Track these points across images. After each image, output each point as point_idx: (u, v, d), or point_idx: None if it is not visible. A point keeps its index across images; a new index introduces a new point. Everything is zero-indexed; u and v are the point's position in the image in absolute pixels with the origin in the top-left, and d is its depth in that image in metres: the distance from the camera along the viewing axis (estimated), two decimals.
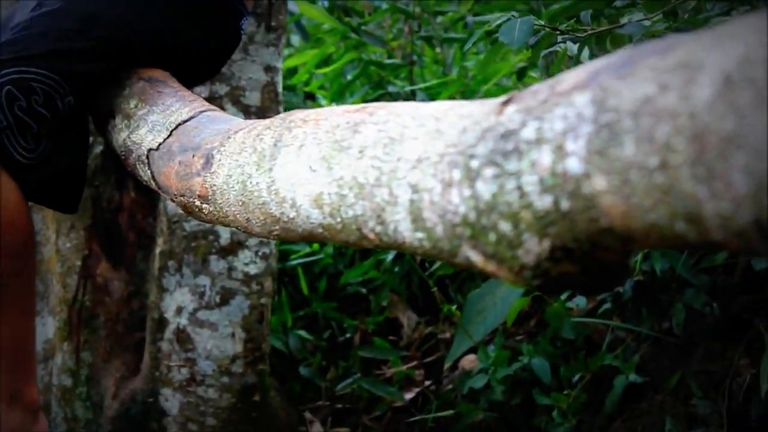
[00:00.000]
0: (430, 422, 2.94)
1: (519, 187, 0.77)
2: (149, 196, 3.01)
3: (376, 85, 4.06)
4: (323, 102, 4.26)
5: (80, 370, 2.96)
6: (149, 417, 2.86)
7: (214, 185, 1.43)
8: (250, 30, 2.83)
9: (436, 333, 3.36)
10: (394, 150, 0.98)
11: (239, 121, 1.56)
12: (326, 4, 4.35)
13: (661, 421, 2.43)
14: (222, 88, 2.85)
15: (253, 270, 2.87)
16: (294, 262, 3.59)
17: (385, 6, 4.42)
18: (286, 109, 3.00)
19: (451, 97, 3.71)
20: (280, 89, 2.94)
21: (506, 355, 2.74)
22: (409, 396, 3.13)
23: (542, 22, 2.08)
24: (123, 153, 1.79)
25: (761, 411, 2.26)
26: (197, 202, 1.51)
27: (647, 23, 2.04)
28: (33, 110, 1.70)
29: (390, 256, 3.43)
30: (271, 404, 2.94)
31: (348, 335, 3.47)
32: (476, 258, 0.86)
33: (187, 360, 2.84)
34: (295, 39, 4.82)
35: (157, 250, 2.90)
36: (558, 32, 2.05)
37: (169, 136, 1.67)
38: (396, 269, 3.45)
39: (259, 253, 2.87)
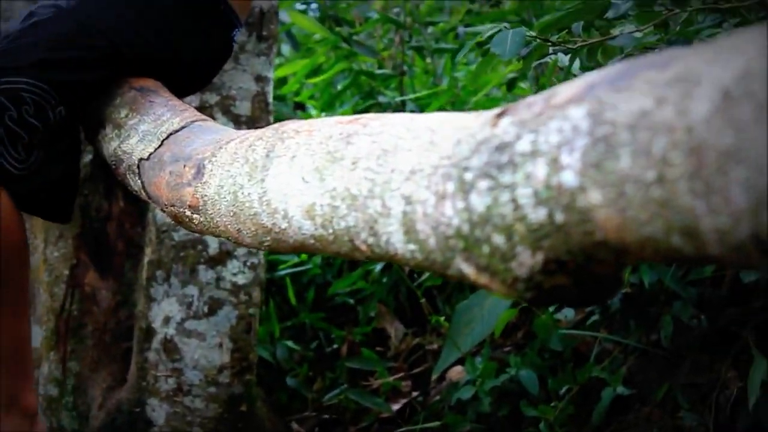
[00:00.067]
0: None
1: (513, 200, 0.77)
2: (138, 206, 3.01)
3: (367, 95, 4.06)
4: (313, 112, 4.26)
5: (67, 379, 2.95)
6: (136, 427, 2.84)
7: (206, 195, 1.43)
8: (241, 39, 2.83)
9: (423, 344, 3.36)
10: (388, 161, 0.97)
11: (231, 132, 1.56)
12: (317, 13, 4.36)
13: None
14: (212, 98, 2.85)
15: (241, 280, 2.86)
16: (282, 273, 3.59)
17: (376, 16, 4.42)
18: (276, 119, 3.00)
19: (442, 108, 3.72)
20: (270, 99, 2.94)
21: (494, 367, 2.74)
22: (396, 407, 3.12)
23: (533, 34, 2.08)
24: (113, 162, 1.79)
25: (748, 424, 2.26)
26: (188, 212, 1.50)
27: (639, 35, 2.05)
28: (24, 120, 1.69)
29: (378, 267, 3.43)
30: (257, 414, 2.93)
31: (335, 346, 3.46)
32: (469, 270, 0.86)
33: (174, 370, 2.83)
34: (286, 49, 4.82)
35: (146, 260, 2.89)
36: (549, 44, 2.05)
37: (160, 145, 1.67)
38: (384, 280, 3.44)
39: (248, 263, 2.86)
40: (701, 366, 2.45)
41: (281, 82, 4.33)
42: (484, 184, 0.80)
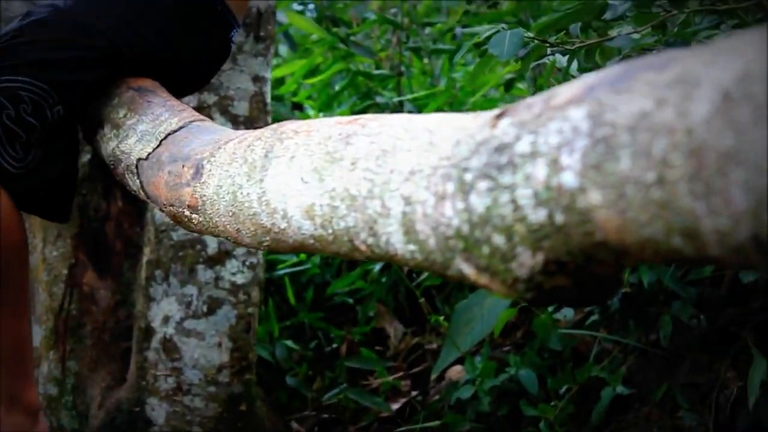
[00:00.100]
0: None
1: (513, 201, 0.77)
2: (136, 205, 3.01)
3: (364, 95, 4.07)
4: (311, 112, 4.26)
5: (66, 379, 2.95)
6: (135, 426, 2.84)
7: (204, 195, 1.43)
8: (239, 40, 2.83)
9: (422, 343, 3.36)
10: (387, 162, 0.98)
11: (229, 132, 1.56)
12: (314, 14, 4.36)
13: None
14: (210, 98, 2.85)
15: (240, 280, 2.86)
16: (281, 272, 3.59)
17: (373, 17, 4.42)
18: (273, 119, 3.00)
19: (439, 108, 3.72)
20: (268, 99, 2.94)
21: (493, 366, 2.74)
22: (395, 407, 3.12)
23: (531, 35, 2.08)
24: (112, 162, 1.79)
25: (748, 424, 2.26)
26: (187, 212, 1.51)
27: (636, 36, 2.05)
28: (22, 119, 1.70)
29: (377, 267, 3.43)
30: (257, 414, 2.93)
31: (335, 345, 3.46)
32: (469, 271, 0.86)
33: (173, 369, 2.83)
34: (283, 49, 4.82)
35: (144, 260, 2.89)
36: (547, 45, 2.06)
37: (158, 145, 1.67)
38: (383, 280, 3.44)
39: (247, 263, 2.86)
40: (701, 366, 2.45)
41: (279, 82, 4.33)
42: (483, 184, 0.80)
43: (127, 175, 1.74)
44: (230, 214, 1.33)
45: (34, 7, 1.93)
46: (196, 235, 2.74)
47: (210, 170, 1.43)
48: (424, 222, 0.89)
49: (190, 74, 1.99)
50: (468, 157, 0.84)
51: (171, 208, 1.56)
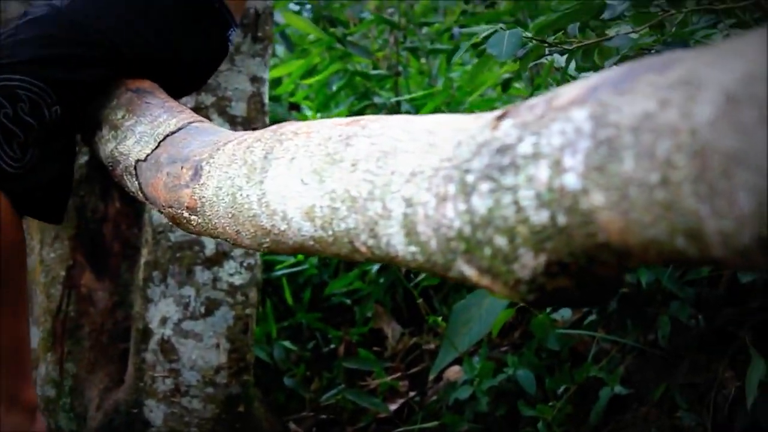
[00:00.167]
0: None
1: (515, 202, 0.77)
2: (134, 206, 3.00)
3: (362, 95, 4.07)
4: (308, 113, 4.26)
5: (64, 380, 2.95)
6: (133, 428, 2.84)
7: (203, 197, 1.43)
8: (237, 40, 2.82)
9: (420, 344, 3.36)
10: (388, 163, 0.97)
11: (228, 133, 1.56)
12: (311, 14, 4.36)
13: None
14: (208, 99, 2.84)
15: (237, 280, 2.86)
16: (279, 273, 3.59)
17: (370, 17, 4.42)
18: (271, 120, 3.00)
19: (437, 108, 3.72)
20: (266, 100, 2.94)
21: (491, 367, 2.74)
22: (393, 407, 3.12)
23: (529, 35, 2.08)
24: (110, 164, 1.79)
25: (746, 423, 2.26)
26: (185, 214, 1.50)
27: (635, 36, 2.05)
28: (19, 118, 1.69)
29: (375, 267, 3.43)
30: (255, 415, 2.93)
31: (332, 346, 3.47)
32: (470, 272, 0.86)
33: (171, 371, 2.83)
34: (280, 49, 4.82)
35: (142, 261, 2.89)
36: (546, 45, 2.06)
37: (156, 147, 1.67)
38: (381, 280, 3.44)
39: (244, 264, 2.86)
40: (699, 366, 2.45)
41: (276, 82, 4.33)
42: (485, 186, 0.80)
43: (125, 177, 1.74)
44: (230, 215, 1.33)
45: (32, 6, 1.93)
46: (193, 236, 2.74)
47: (209, 172, 1.43)
48: (425, 223, 0.89)
49: (189, 74, 1.99)
50: (469, 159, 0.84)
51: (170, 209, 1.56)
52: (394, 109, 3.94)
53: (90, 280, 2.98)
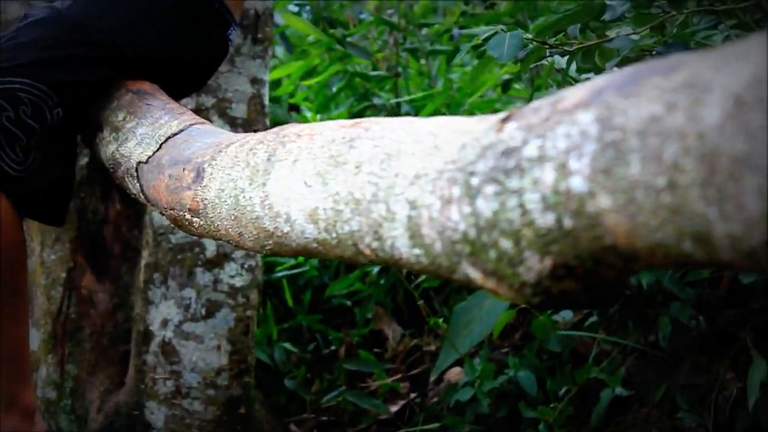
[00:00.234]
0: None
1: (521, 205, 0.77)
2: (134, 208, 3.00)
3: (362, 97, 4.07)
4: (308, 114, 4.25)
5: (65, 382, 2.95)
6: (134, 430, 2.84)
7: (206, 199, 1.43)
8: (237, 42, 2.82)
9: (421, 345, 3.36)
10: (391, 166, 0.97)
11: (230, 135, 1.56)
12: (310, 15, 4.36)
13: None
14: (208, 100, 2.84)
15: (238, 282, 2.86)
16: (279, 275, 3.59)
17: (370, 18, 4.42)
18: (270, 121, 3.00)
19: (437, 110, 3.72)
20: (266, 101, 2.94)
21: (492, 368, 2.74)
22: (394, 409, 3.12)
23: (530, 36, 2.08)
24: (111, 166, 1.79)
25: (747, 425, 2.26)
26: (188, 216, 1.50)
27: (635, 37, 2.05)
28: (21, 121, 1.69)
29: (376, 269, 3.43)
30: (256, 417, 2.93)
31: (333, 348, 3.46)
32: (475, 275, 0.86)
33: (172, 373, 2.83)
34: (280, 50, 4.82)
35: (143, 263, 2.89)
36: (547, 46, 2.06)
37: (158, 149, 1.67)
38: (381, 282, 3.44)
39: (245, 266, 2.86)
40: (700, 367, 2.45)
41: (276, 84, 4.33)
42: (490, 188, 0.80)
43: (126, 179, 1.74)
44: (232, 217, 1.33)
45: (33, 9, 1.93)
46: (194, 238, 2.74)
47: (211, 173, 1.43)
48: (429, 226, 0.89)
49: (190, 74, 1.99)
50: (474, 161, 0.84)
51: (172, 211, 1.56)
52: (394, 111, 3.94)
53: (91, 282, 2.97)
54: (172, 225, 1.63)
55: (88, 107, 1.83)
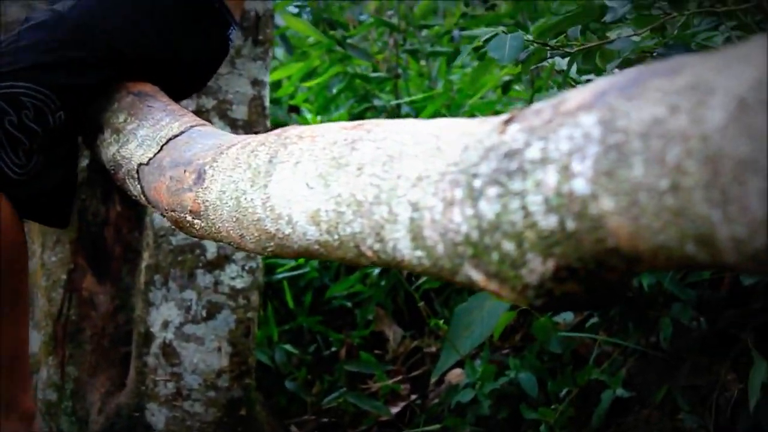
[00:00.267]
0: None
1: (523, 207, 0.77)
2: (135, 210, 3.00)
3: (362, 98, 4.06)
4: (308, 115, 4.25)
5: (65, 384, 2.95)
6: None
7: (207, 201, 1.43)
8: (238, 44, 2.83)
9: (421, 347, 3.36)
10: (393, 168, 0.97)
11: (231, 137, 1.56)
12: (310, 17, 4.36)
13: None
14: (209, 102, 2.84)
15: (239, 284, 2.86)
16: (280, 276, 3.58)
17: (370, 19, 4.42)
18: (271, 122, 3.00)
19: (437, 111, 3.72)
20: (267, 103, 2.94)
21: (493, 370, 2.74)
22: (395, 410, 3.12)
23: (530, 38, 2.08)
24: (112, 167, 1.79)
25: (748, 426, 2.26)
26: (189, 218, 1.50)
27: (636, 39, 2.05)
28: (24, 125, 1.69)
29: (376, 270, 3.42)
30: (257, 418, 2.93)
31: (333, 349, 3.46)
32: (478, 277, 0.86)
33: (173, 374, 2.83)
34: (280, 52, 4.82)
35: (143, 264, 2.89)
36: (548, 48, 2.06)
37: (159, 150, 1.67)
38: (382, 283, 3.44)
39: (246, 268, 2.86)
40: (701, 368, 2.45)
41: (276, 85, 4.32)
42: (493, 191, 0.80)
43: (127, 180, 1.74)
44: (234, 219, 1.33)
45: (34, 12, 1.93)
46: (195, 239, 2.74)
47: (212, 175, 1.43)
48: (432, 228, 0.89)
49: (190, 74, 1.99)
50: (477, 163, 0.84)
51: (173, 213, 1.56)
52: (394, 112, 3.94)
53: (91, 283, 2.97)
54: (172, 227, 1.63)
55: (89, 109, 1.83)
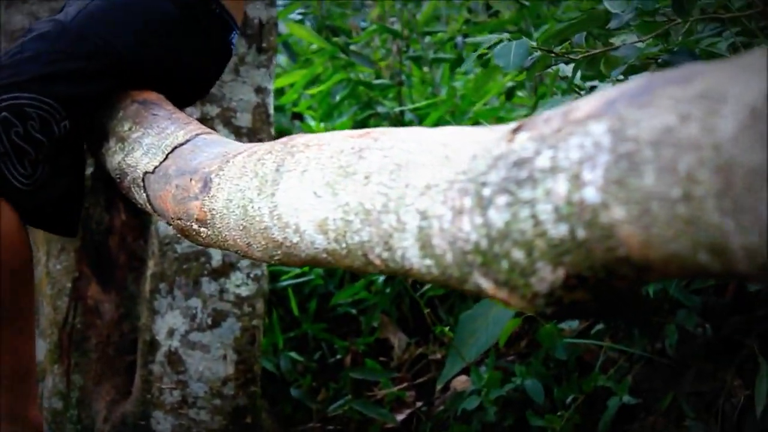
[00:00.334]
0: None
1: (533, 216, 0.77)
2: (140, 218, 3.00)
3: (365, 105, 4.06)
4: (312, 122, 4.25)
5: (71, 392, 2.95)
6: None
7: (213, 209, 1.43)
8: (241, 51, 2.83)
9: (427, 354, 3.35)
10: (401, 176, 0.98)
11: (237, 145, 1.56)
12: (314, 24, 4.36)
13: None
14: (213, 110, 2.85)
15: (244, 292, 2.86)
16: (284, 283, 3.58)
17: (373, 26, 4.42)
18: (275, 130, 3.00)
19: (441, 118, 3.72)
20: (271, 110, 2.94)
21: (499, 376, 2.74)
22: (400, 417, 3.11)
23: (535, 44, 2.08)
24: (117, 176, 1.79)
25: None
26: (195, 226, 1.51)
27: (641, 45, 2.05)
28: (30, 136, 1.70)
29: (381, 278, 3.42)
30: (262, 426, 2.93)
31: (339, 356, 3.46)
32: (487, 285, 0.86)
33: (178, 382, 2.83)
34: (282, 59, 4.82)
35: (149, 272, 2.89)
36: (553, 55, 2.06)
37: (165, 159, 1.67)
38: (387, 290, 3.44)
39: (251, 275, 2.86)
40: (706, 374, 2.45)
41: (279, 92, 4.32)
42: (502, 199, 0.80)
43: (133, 189, 1.74)
44: (241, 228, 1.33)
45: (36, 22, 1.93)
46: (200, 247, 2.74)
47: (219, 184, 1.43)
48: (440, 236, 0.89)
49: (194, 81, 2.00)
50: (486, 172, 0.84)
51: (179, 221, 1.56)
52: (398, 119, 3.94)
53: (96, 291, 2.97)
54: (177, 235, 1.64)
55: (94, 118, 1.83)
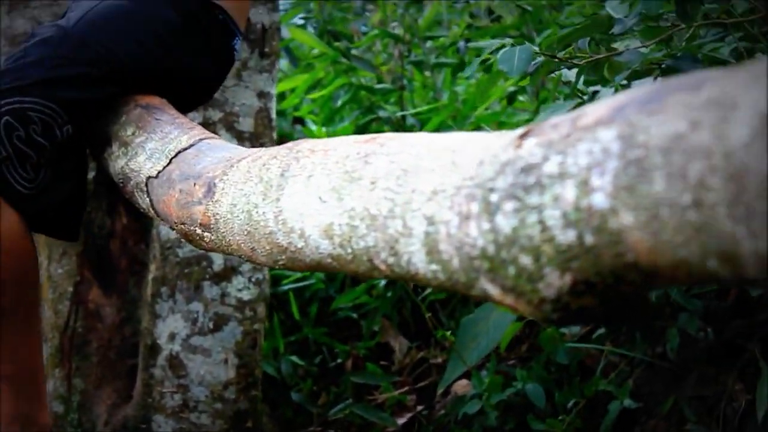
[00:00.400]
0: None
1: (541, 221, 0.77)
2: (141, 222, 3.00)
3: (367, 110, 4.06)
4: (313, 127, 4.25)
5: (72, 396, 2.95)
6: None
7: (217, 214, 1.43)
8: (244, 56, 2.83)
9: (428, 358, 3.35)
10: (408, 182, 0.98)
11: (240, 150, 1.56)
12: (316, 28, 4.36)
13: None
14: (215, 114, 2.85)
15: (246, 296, 2.86)
16: (285, 287, 3.58)
17: (374, 31, 4.42)
18: (277, 134, 3.00)
19: (443, 122, 3.72)
20: (273, 115, 2.94)
21: (500, 380, 2.73)
22: (401, 421, 3.11)
23: (537, 49, 2.08)
24: (121, 181, 1.79)
25: None
26: (198, 231, 1.51)
27: (644, 50, 2.05)
28: (32, 140, 1.70)
29: (382, 282, 3.42)
30: (263, 430, 2.93)
31: (339, 360, 3.46)
32: (494, 291, 0.86)
33: (179, 386, 2.83)
34: (284, 63, 4.82)
35: (150, 276, 2.89)
36: (556, 60, 2.06)
37: (168, 164, 1.67)
38: (388, 294, 3.44)
39: (252, 279, 2.86)
40: (708, 378, 2.45)
41: (280, 97, 4.32)
42: (510, 205, 0.80)
43: (136, 193, 1.74)
44: (245, 232, 1.33)
45: (39, 27, 1.94)
46: (201, 251, 2.74)
47: (223, 188, 1.43)
48: (447, 242, 0.89)
49: (196, 86, 2.00)
50: (493, 178, 0.84)
51: (182, 226, 1.56)
52: (399, 123, 3.94)
53: (98, 295, 2.97)
54: (179, 239, 1.64)
55: (97, 122, 1.83)
